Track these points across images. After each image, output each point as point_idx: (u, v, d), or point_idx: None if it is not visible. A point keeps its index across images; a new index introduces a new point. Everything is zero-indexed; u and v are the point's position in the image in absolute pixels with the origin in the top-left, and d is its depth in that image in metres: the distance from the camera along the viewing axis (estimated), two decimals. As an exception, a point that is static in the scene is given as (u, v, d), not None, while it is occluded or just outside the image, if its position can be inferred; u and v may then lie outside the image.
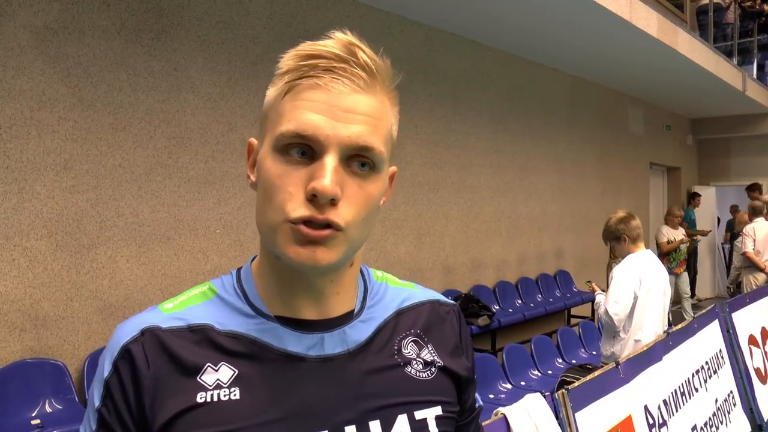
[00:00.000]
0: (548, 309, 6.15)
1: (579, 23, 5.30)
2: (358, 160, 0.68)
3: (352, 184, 0.68)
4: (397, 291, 0.86)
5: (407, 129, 5.04)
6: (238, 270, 0.80)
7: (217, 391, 0.69)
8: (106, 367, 0.71)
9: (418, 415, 0.76)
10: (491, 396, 4.34)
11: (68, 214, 3.15)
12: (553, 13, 5.03)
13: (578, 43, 5.94)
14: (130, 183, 3.38)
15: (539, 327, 6.18)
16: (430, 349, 0.81)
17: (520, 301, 6.19)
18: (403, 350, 0.79)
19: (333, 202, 0.66)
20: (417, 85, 5.16)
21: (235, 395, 0.69)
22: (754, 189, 9.30)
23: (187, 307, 0.75)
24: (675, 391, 2.86)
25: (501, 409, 1.94)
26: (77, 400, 3.07)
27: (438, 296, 0.89)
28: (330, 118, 0.66)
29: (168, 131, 3.55)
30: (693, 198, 9.97)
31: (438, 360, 0.81)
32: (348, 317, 0.77)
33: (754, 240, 7.03)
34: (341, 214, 0.67)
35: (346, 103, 0.67)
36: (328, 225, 0.66)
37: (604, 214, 4.29)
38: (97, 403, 0.70)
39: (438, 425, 0.77)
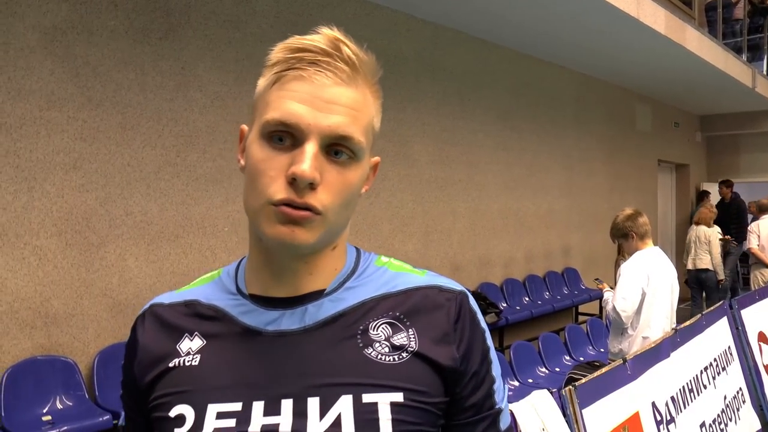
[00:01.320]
0: (556, 306, 6.14)
1: (586, 20, 5.28)
2: (338, 148, 0.72)
3: (331, 171, 0.72)
4: (396, 275, 0.82)
5: (414, 126, 5.04)
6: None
7: (186, 357, 0.78)
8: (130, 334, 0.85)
9: (367, 398, 0.72)
10: (499, 393, 4.34)
11: (77, 213, 3.18)
12: (560, 11, 5.01)
13: (585, 40, 5.92)
14: (138, 182, 3.41)
15: (547, 324, 6.17)
16: (411, 333, 0.77)
17: (527, 299, 6.19)
18: (370, 331, 0.76)
19: (312, 187, 0.70)
20: (424, 83, 5.15)
21: (196, 362, 0.77)
22: (724, 184, 9.49)
23: (195, 287, 0.86)
24: (683, 387, 2.85)
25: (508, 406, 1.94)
26: (87, 396, 3.09)
27: (443, 283, 0.82)
28: (312, 108, 0.70)
29: (176, 130, 3.57)
30: (704, 196, 9.90)
31: (413, 345, 0.76)
32: (316, 295, 0.78)
33: (759, 236, 7.03)
34: (319, 199, 0.71)
35: (328, 95, 0.71)
36: (307, 208, 0.70)
37: (611, 211, 4.28)
38: (123, 360, 0.85)
39: (393, 412, 0.72)
